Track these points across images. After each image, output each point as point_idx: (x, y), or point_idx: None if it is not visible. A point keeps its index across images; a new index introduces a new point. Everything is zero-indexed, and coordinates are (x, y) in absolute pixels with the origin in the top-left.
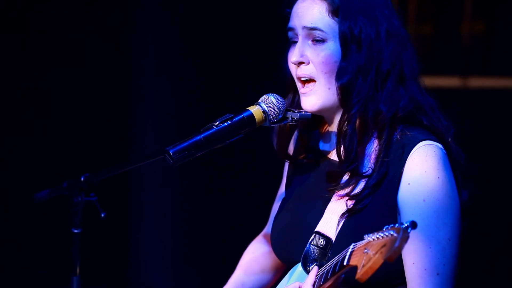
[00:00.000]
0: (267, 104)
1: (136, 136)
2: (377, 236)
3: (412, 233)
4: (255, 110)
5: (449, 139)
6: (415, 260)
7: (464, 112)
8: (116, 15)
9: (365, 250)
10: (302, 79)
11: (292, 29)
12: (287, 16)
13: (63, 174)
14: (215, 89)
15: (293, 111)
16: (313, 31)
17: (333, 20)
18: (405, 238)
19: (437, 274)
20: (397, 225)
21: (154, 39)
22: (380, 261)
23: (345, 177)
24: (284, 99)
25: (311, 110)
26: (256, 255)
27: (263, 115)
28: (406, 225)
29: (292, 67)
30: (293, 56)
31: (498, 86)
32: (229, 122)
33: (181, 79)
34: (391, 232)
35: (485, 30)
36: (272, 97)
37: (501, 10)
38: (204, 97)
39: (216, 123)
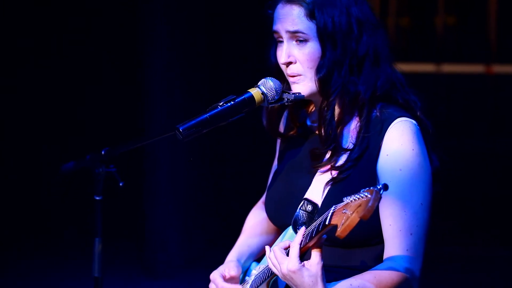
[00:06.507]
0: (265, 87)
1: (150, 115)
2: (354, 198)
3: (389, 199)
4: (255, 92)
5: (418, 113)
6: (392, 222)
7: (438, 94)
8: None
9: (344, 211)
10: (292, 75)
11: (276, 32)
12: (269, 16)
13: (88, 147)
14: (219, 74)
15: (288, 93)
16: (296, 34)
17: (311, 22)
18: (377, 199)
19: (411, 234)
20: (372, 187)
21: (165, 33)
22: (357, 220)
23: (327, 155)
24: (280, 82)
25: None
26: (258, 220)
27: (262, 96)
28: (379, 187)
29: (282, 67)
30: (281, 58)
31: (468, 72)
32: (232, 102)
33: (189, 65)
34: (366, 194)
35: (456, 22)
36: (270, 81)
37: (470, 5)
38: (209, 81)
39: (220, 103)
